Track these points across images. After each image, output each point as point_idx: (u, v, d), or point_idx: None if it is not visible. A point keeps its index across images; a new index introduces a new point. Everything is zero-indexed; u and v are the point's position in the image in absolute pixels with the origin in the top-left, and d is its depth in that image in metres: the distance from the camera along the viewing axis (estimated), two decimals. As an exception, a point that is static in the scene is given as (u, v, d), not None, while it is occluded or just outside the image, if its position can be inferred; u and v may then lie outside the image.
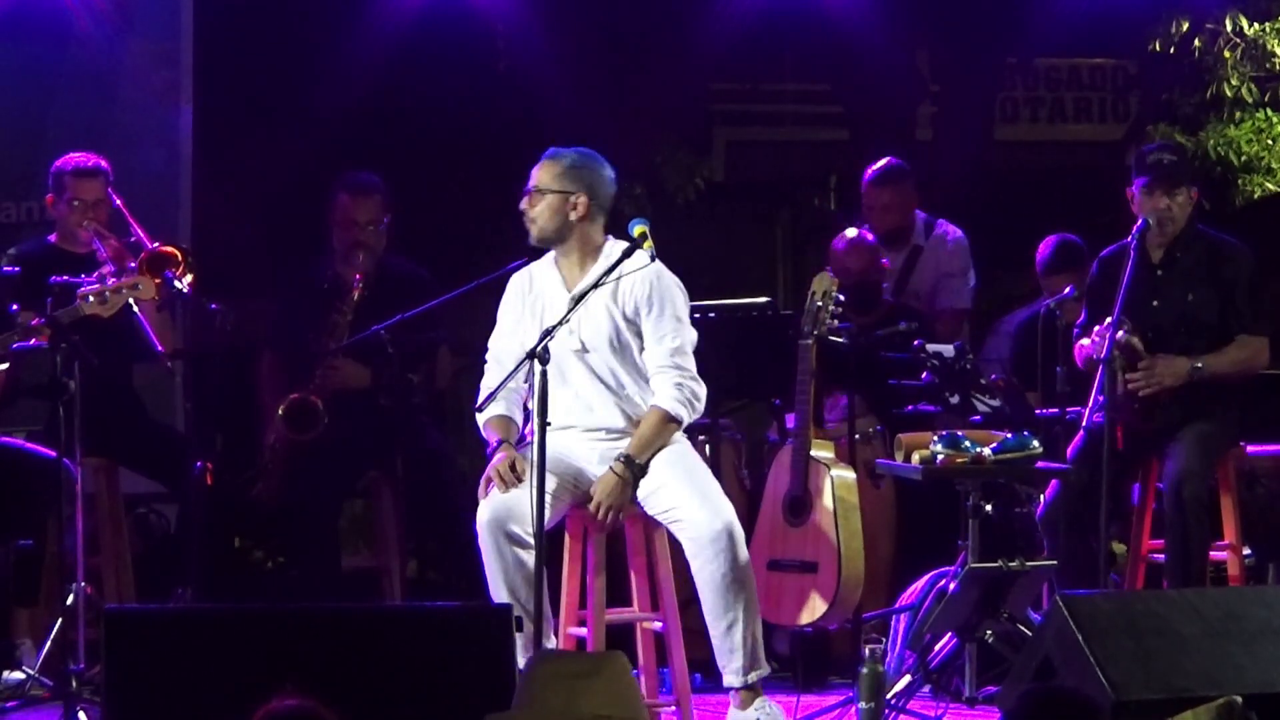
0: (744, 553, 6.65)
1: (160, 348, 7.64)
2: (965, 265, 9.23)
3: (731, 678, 6.70)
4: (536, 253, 6.94)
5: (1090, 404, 7.40)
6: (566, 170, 6.79)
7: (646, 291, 6.75)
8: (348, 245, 8.31)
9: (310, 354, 8.24)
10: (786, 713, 6.75)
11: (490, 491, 6.62)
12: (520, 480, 6.57)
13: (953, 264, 9.20)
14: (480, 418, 6.79)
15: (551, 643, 6.56)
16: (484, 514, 6.60)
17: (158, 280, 7.39)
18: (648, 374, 6.76)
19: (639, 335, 6.77)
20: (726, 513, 6.66)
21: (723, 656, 6.70)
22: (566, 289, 6.79)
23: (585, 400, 6.79)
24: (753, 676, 6.69)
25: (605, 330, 6.77)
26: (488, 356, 6.93)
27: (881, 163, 9.17)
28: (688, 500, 6.64)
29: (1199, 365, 7.41)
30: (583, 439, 6.79)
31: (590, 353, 6.77)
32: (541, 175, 6.80)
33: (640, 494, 6.69)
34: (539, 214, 6.78)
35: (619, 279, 6.67)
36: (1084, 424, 7.48)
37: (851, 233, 8.73)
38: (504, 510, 6.55)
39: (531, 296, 6.85)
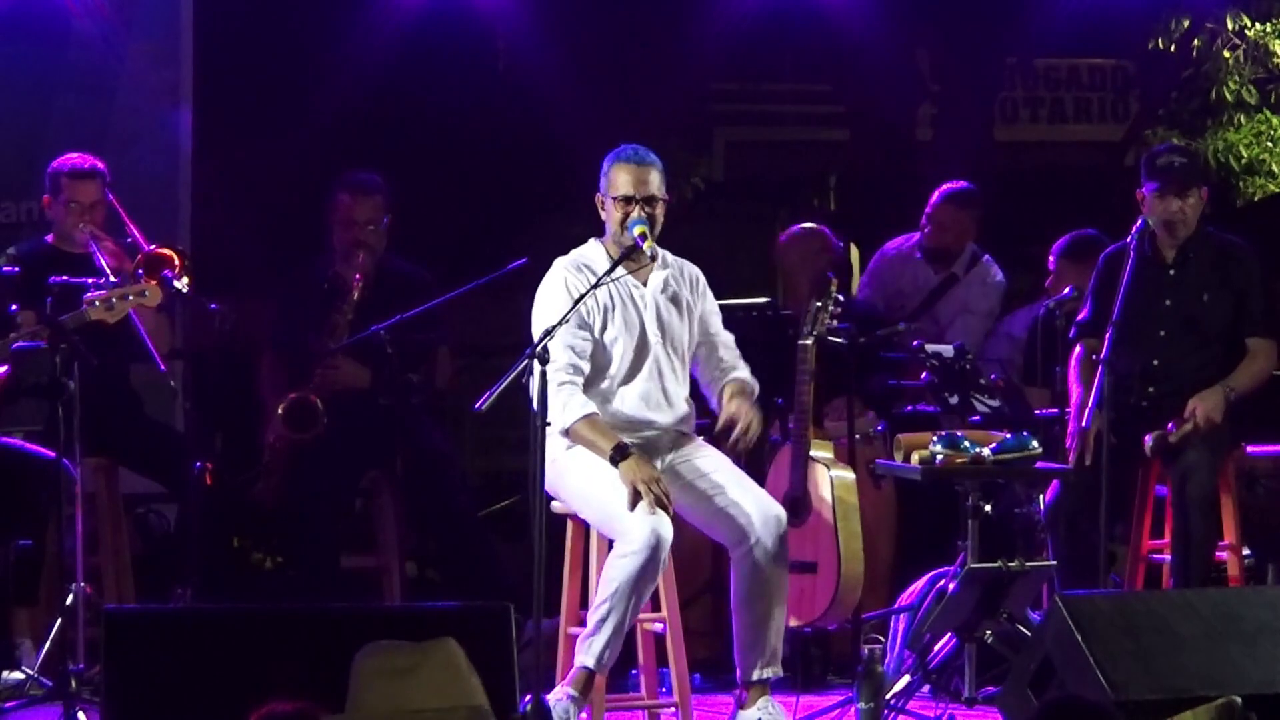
0: (785, 548, 6.67)
1: (162, 365, 7.64)
2: (992, 308, 9.18)
3: (746, 671, 6.70)
4: (537, 253, 6.93)
5: (1090, 404, 7.40)
6: (663, 174, 6.88)
7: (712, 297, 6.94)
8: (348, 245, 8.30)
9: (310, 354, 8.24)
10: (787, 712, 6.75)
11: (648, 506, 6.48)
12: (670, 505, 6.55)
13: (981, 304, 9.15)
14: (564, 423, 6.57)
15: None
16: (646, 531, 6.45)
17: (156, 281, 7.38)
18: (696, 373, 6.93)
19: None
20: (776, 507, 6.72)
21: (743, 648, 6.69)
22: (642, 285, 6.84)
23: (661, 395, 6.81)
24: (767, 673, 6.68)
25: (691, 329, 6.88)
26: (554, 351, 6.44)
27: (959, 184, 9.15)
28: (741, 490, 6.70)
29: (1231, 389, 7.42)
30: (645, 439, 6.77)
31: (675, 349, 6.84)
32: (655, 180, 6.82)
33: (690, 478, 6.73)
34: (659, 218, 6.81)
35: (690, 281, 6.86)
36: (1084, 424, 7.48)
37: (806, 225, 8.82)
38: (666, 536, 6.48)
39: (602, 292, 6.76)
